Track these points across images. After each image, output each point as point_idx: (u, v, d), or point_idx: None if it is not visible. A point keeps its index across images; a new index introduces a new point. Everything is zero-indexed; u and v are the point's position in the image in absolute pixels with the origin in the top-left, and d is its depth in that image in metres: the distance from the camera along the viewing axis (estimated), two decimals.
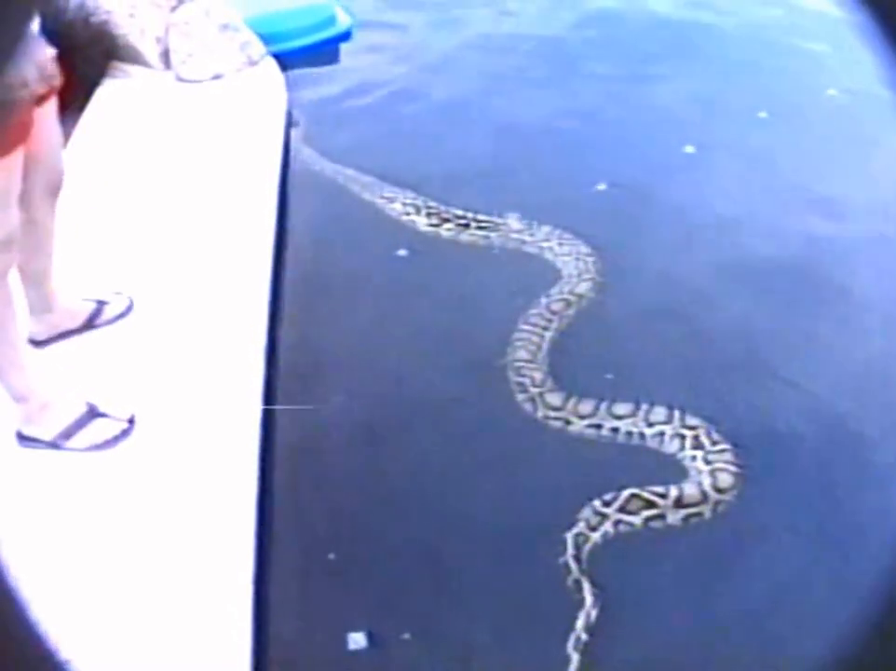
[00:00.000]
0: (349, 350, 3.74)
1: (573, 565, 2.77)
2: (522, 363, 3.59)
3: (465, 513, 3.00)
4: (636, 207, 4.60)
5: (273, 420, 3.26)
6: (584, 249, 4.22)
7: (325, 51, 6.24)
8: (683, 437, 3.23)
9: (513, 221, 4.46)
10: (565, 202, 4.65)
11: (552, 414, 3.38)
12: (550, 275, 4.14)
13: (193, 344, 3.41)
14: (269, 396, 3.31)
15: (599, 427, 3.32)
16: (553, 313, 3.85)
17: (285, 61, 5.83)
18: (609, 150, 5.19)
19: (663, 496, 2.98)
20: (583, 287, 4.01)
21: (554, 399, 3.41)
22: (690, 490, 3.02)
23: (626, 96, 5.67)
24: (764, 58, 6.10)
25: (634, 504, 2.94)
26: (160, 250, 3.93)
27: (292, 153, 5.03)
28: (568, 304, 3.92)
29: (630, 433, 3.29)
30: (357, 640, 2.60)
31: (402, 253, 4.29)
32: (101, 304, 3.49)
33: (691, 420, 3.27)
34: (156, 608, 2.49)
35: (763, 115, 5.38)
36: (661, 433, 3.26)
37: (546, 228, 4.37)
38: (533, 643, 2.59)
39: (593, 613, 2.62)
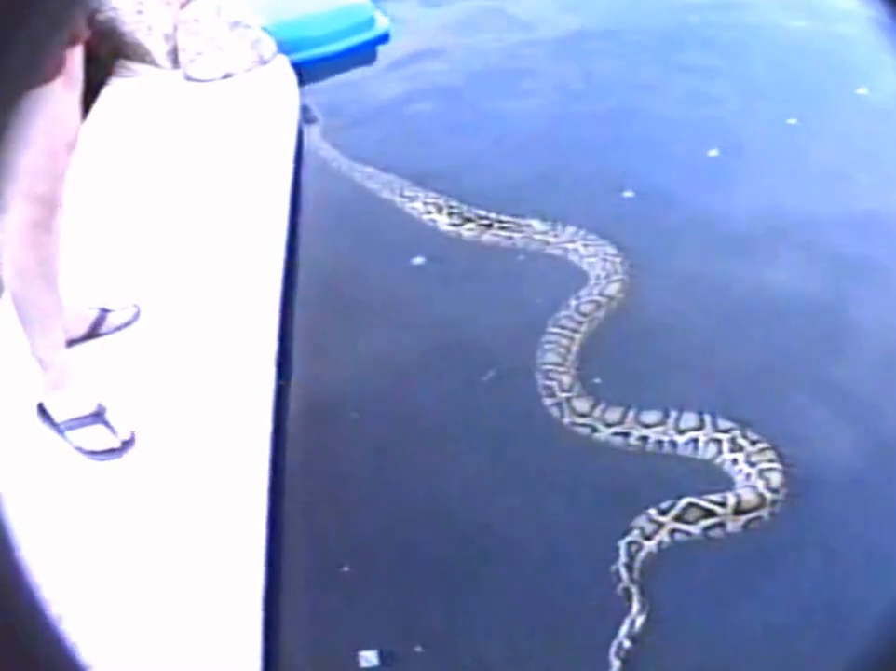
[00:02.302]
0: (364, 359, 3.78)
1: (624, 573, 2.82)
2: (550, 367, 3.65)
3: (483, 526, 3.03)
4: (661, 211, 4.67)
5: (284, 431, 3.32)
6: (610, 250, 4.28)
7: (362, 55, 6.35)
8: (719, 441, 3.27)
9: (537, 222, 4.52)
10: (590, 206, 4.71)
11: (579, 420, 3.43)
12: (576, 277, 4.20)
13: (201, 353, 3.45)
14: (280, 408, 3.36)
15: (626, 435, 3.36)
16: (583, 315, 3.91)
17: (321, 65, 5.97)
18: (634, 154, 5.25)
19: (721, 504, 3.03)
20: (612, 289, 4.07)
21: (581, 405, 3.46)
22: (748, 495, 3.07)
23: (652, 99, 5.76)
24: (790, 58, 6.17)
25: (692, 513, 2.99)
26: (167, 255, 3.98)
27: (309, 150, 5.11)
28: (598, 306, 3.98)
29: (660, 442, 3.33)
30: (368, 659, 2.63)
31: (422, 256, 4.35)
32: (104, 312, 3.54)
33: (723, 424, 3.31)
34: (163, 621, 2.52)
35: (792, 121, 5.44)
36: (695, 440, 3.30)
37: (570, 229, 4.44)
38: (551, 661, 2.62)
39: (639, 621, 2.68)
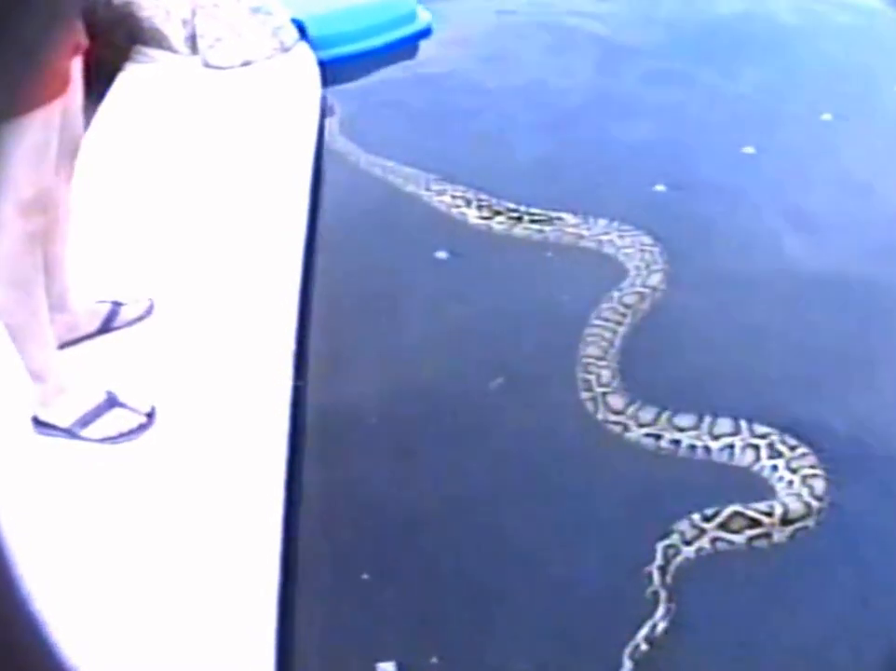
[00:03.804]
0: (385, 359, 3.77)
1: (656, 576, 2.81)
2: (590, 360, 3.65)
3: (504, 531, 3.03)
4: (694, 204, 4.72)
5: (303, 429, 3.31)
6: (647, 240, 4.30)
7: (403, 50, 6.35)
8: (756, 447, 3.25)
9: (568, 215, 4.51)
10: (622, 199, 4.71)
11: (612, 417, 3.43)
12: (613, 270, 4.21)
13: (217, 348, 3.45)
14: (297, 405, 3.35)
15: (658, 437, 3.35)
16: (627, 307, 3.91)
17: (360, 60, 5.99)
18: (667, 149, 5.26)
19: (768, 513, 3.01)
20: (655, 279, 4.09)
21: (616, 402, 3.46)
22: (795, 505, 3.05)
23: (685, 94, 5.77)
24: (826, 53, 6.19)
25: (737, 522, 2.98)
26: (183, 247, 3.98)
27: (328, 142, 5.11)
28: (642, 297, 3.99)
29: (692, 447, 3.31)
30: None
31: (448, 251, 4.34)
32: (117, 305, 3.54)
33: (760, 429, 3.29)
34: (174, 627, 2.51)
35: (827, 117, 5.44)
36: (730, 446, 3.28)
37: (602, 221, 4.44)
38: None
39: (661, 626, 2.67)
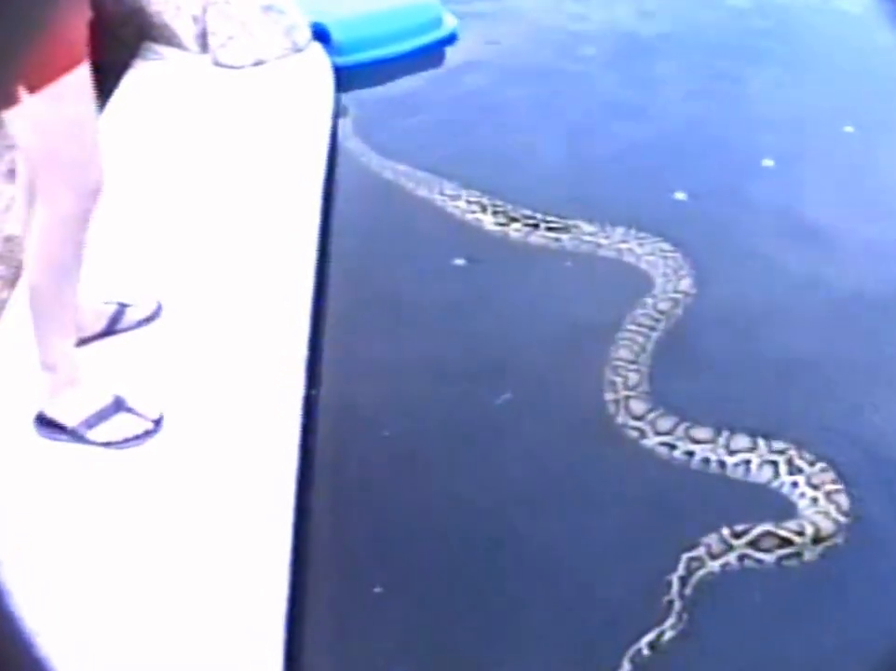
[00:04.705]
0: (398, 368, 3.74)
1: (675, 585, 2.83)
2: (621, 363, 3.69)
3: (518, 541, 3.03)
4: (714, 212, 4.73)
5: (314, 438, 3.28)
6: (667, 246, 4.31)
7: (428, 55, 6.31)
8: (775, 463, 3.25)
9: (584, 223, 4.51)
10: (640, 207, 4.71)
11: (631, 422, 3.45)
12: (636, 279, 4.23)
13: (226, 353, 3.42)
14: (309, 413, 3.32)
15: (673, 447, 3.36)
16: (661, 313, 3.94)
17: (384, 65, 5.97)
18: (686, 159, 5.29)
19: (800, 533, 3.00)
20: (685, 284, 4.11)
21: (637, 406, 3.48)
22: (824, 523, 3.05)
23: (704, 103, 5.78)
24: (847, 64, 6.13)
25: (768, 541, 2.98)
26: (192, 249, 3.96)
27: (340, 144, 5.10)
28: (675, 303, 4.02)
29: (706, 460, 3.32)
30: None
31: (463, 258, 4.34)
32: (122, 306, 3.51)
33: (777, 445, 3.29)
34: (181, 637, 2.49)
35: (849, 128, 5.43)
36: (747, 462, 3.28)
37: (620, 229, 4.44)
38: None
39: (668, 634, 2.69)
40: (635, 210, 4.63)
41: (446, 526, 3.13)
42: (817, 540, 3.00)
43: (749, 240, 4.52)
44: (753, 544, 2.96)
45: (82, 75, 2.76)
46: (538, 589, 2.90)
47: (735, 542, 2.96)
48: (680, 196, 4.81)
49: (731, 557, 2.95)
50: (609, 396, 3.56)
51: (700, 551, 2.93)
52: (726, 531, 2.98)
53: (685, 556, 2.91)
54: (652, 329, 3.85)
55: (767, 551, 2.96)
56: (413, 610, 2.83)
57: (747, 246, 4.48)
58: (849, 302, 4.10)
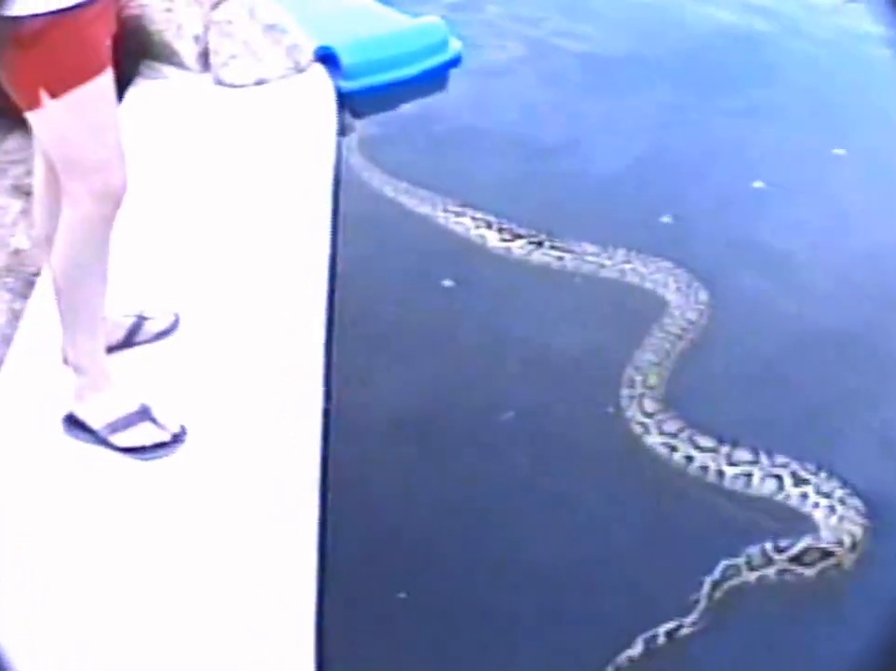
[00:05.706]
0: (402, 388, 3.82)
1: (706, 587, 2.92)
2: (644, 363, 3.83)
3: (528, 551, 3.13)
4: (702, 236, 4.83)
5: (327, 454, 3.35)
6: (669, 264, 4.44)
7: (433, 78, 6.35)
8: (779, 477, 3.34)
9: (587, 244, 4.61)
10: (629, 230, 4.78)
11: (639, 417, 3.58)
12: (642, 299, 4.35)
13: (244, 365, 3.50)
14: (327, 426, 3.40)
15: (674, 449, 3.47)
16: (690, 322, 4.08)
17: (391, 89, 6.02)
18: (674, 181, 5.35)
19: (839, 543, 3.10)
20: (704, 295, 4.25)
21: (649, 405, 3.62)
22: (856, 530, 3.13)
23: (692, 124, 5.88)
24: (837, 87, 6.22)
25: (811, 556, 3.06)
26: (205, 265, 4.03)
27: (343, 161, 5.19)
28: (701, 313, 4.14)
29: (704, 468, 3.42)
30: None
31: (460, 277, 4.42)
32: (141, 319, 3.59)
33: (780, 459, 3.39)
34: (207, 649, 2.57)
35: (839, 151, 5.50)
36: (748, 474, 3.37)
37: (621, 251, 4.54)
38: None
39: (686, 629, 2.80)
40: (623, 232, 4.71)
41: (456, 536, 3.21)
42: (854, 548, 3.09)
43: (729, 258, 4.63)
44: (795, 559, 3.05)
45: (105, 82, 2.87)
46: (540, 600, 2.98)
47: (776, 557, 3.04)
48: (666, 219, 4.88)
49: (770, 571, 3.02)
50: (626, 391, 3.71)
51: (740, 560, 3.02)
52: (769, 545, 3.06)
53: (723, 562, 2.99)
54: (679, 337, 3.98)
55: (809, 565, 3.05)
56: (421, 620, 2.90)
57: (728, 263, 4.59)
58: (837, 336, 4.17)
